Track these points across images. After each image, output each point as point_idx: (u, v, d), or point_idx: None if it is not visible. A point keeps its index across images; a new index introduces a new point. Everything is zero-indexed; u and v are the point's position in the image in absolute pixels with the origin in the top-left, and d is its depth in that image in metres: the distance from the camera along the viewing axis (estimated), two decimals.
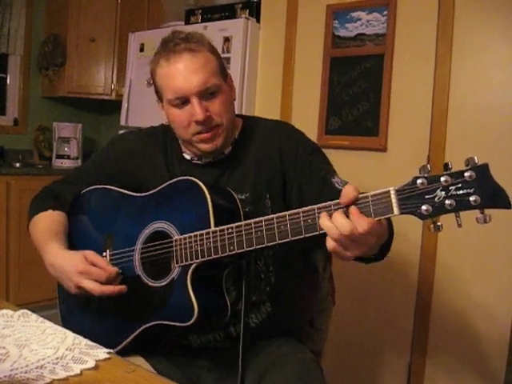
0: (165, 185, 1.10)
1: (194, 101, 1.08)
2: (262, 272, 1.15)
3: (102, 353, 0.85)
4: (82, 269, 1.03)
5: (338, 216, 0.80)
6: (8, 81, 3.68)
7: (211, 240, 0.97)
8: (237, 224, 0.94)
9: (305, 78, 2.44)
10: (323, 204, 0.84)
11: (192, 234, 0.99)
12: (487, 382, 1.92)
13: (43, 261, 1.12)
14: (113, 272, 1.04)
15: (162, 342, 1.14)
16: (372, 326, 2.20)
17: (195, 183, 1.03)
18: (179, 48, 1.08)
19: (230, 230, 0.95)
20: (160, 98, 1.17)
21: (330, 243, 0.82)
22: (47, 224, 1.19)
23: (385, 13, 2.17)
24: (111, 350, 0.86)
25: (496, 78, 1.93)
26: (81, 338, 0.90)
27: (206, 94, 1.09)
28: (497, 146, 1.90)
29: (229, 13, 2.66)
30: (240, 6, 2.63)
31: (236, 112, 1.22)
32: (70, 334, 0.91)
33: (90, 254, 1.06)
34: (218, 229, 0.96)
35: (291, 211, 0.87)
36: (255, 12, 2.61)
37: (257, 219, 0.91)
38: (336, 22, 2.31)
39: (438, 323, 2.05)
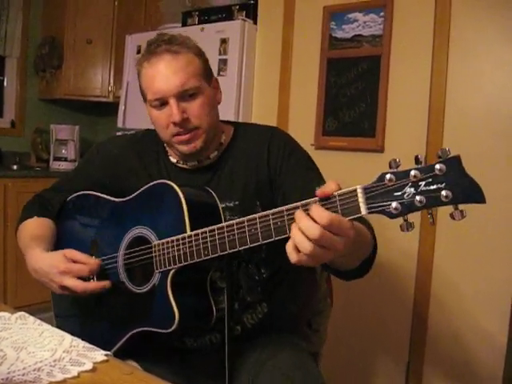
0: (143, 189, 1.10)
1: (172, 102, 1.08)
2: (255, 274, 1.15)
3: (99, 355, 0.84)
4: (63, 268, 1.03)
5: (301, 216, 0.74)
6: (5, 83, 3.68)
7: (187, 245, 0.96)
8: (210, 228, 0.93)
9: (302, 80, 2.44)
10: (291, 205, 0.80)
11: (169, 239, 0.99)
12: None
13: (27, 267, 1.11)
14: (94, 264, 1.05)
15: (155, 345, 1.13)
16: (370, 329, 2.20)
17: (170, 186, 1.02)
18: (160, 49, 1.09)
19: (204, 235, 0.93)
20: (144, 98, 1.17)
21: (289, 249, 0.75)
22: (30, 230, 1.19)
23: (381, 14, 2.17)
24: (109, 353, 0.86)
25: (493, 79, 1.93)
26: (78, 340, 0.90)
27: (184, 96, 1.09)
28: (494, 147, 1.90)
29: (226, 14, 2.66)
30: (237, 7, 2.64)
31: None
32: (68, 337, 0.91)
33: (69, 252, 1.06)
34: (192, 233, 0.95)
35: (261, 213, 0.85)
36: (252, 13, 2.61)
37: (229, 222, 0.90)
38: (333, 23, 2.31)
39: (435, 325, 2.05)
